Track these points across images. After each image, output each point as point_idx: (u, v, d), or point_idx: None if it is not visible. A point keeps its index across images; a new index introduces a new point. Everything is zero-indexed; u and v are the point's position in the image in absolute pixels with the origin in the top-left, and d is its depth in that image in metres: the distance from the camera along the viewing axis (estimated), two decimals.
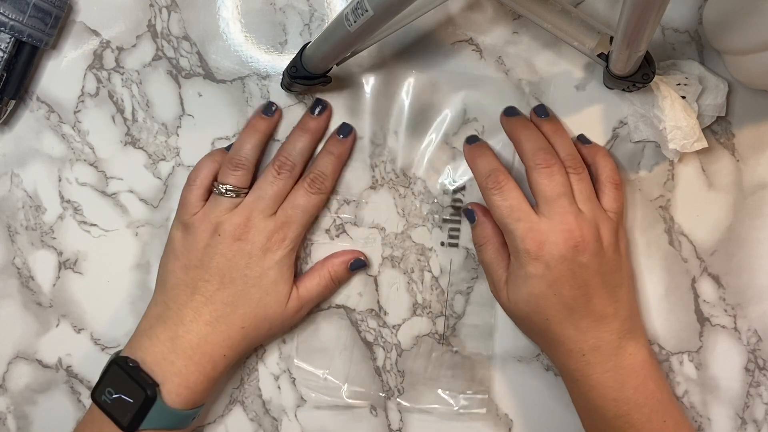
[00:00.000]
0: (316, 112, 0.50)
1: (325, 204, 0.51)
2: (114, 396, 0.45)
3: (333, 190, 0.51)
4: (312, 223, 0.51)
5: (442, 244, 0.52)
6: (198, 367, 0.46)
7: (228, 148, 0.51)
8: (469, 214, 0.51)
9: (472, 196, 0.52)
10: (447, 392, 0.52)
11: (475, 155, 0.49)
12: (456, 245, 0.52)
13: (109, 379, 0.46)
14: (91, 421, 0.46)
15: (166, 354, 0.46)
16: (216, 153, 0.51)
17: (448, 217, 0.52)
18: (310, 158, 0.50)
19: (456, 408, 0.52)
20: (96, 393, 0.46)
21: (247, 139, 0.49)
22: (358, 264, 0.51)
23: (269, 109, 0.50)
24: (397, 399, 0.52)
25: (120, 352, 0.48)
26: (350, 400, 0.52)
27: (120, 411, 0.45)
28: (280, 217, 0.48)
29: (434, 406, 0.52)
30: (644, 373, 0.47)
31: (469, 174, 0.50)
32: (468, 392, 0.52)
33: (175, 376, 0.45)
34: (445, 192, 0.52)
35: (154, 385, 0.45)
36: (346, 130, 0.50)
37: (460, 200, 0.52)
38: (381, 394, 0.52)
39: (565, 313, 0.45)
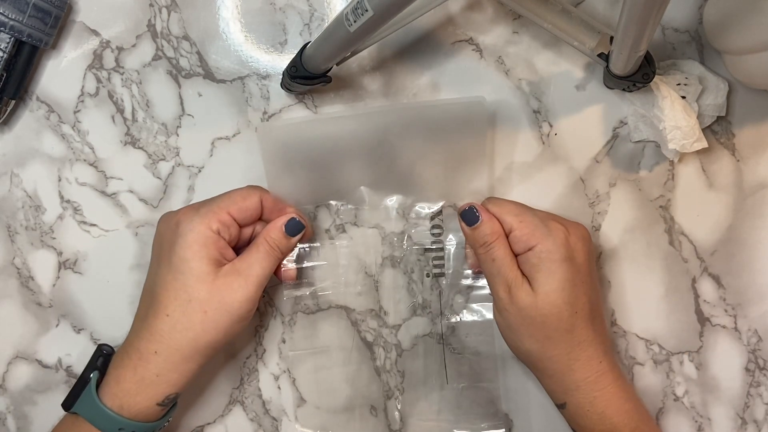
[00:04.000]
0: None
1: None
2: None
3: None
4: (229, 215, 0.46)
5: (428, 275, 0.51)
6: (130, 362, 0.44)
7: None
8: (471, 214, 0.46)
9: (451, 220, 0.51)
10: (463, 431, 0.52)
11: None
12: (443, 275, 0.51)
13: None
14: None
15: (120, 348, 0.46)
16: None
17: (430, 246, 0.51)
18: None
19: None
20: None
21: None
22: (295, 227, 0.47)
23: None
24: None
25: None
26: None
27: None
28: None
29: None
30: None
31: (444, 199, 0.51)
32: (483, 426, 0.51)
33: (113, 368, 0.45)
34: (420, 218, 0.51)
35: (94, 369, 0.45)
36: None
37: (439, 226, 0.51)
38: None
39: (588, 307, 0.45)
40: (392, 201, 0.51)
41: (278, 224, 0.47)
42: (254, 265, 0.45)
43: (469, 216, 0.47)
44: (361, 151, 0.49)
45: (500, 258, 0.45)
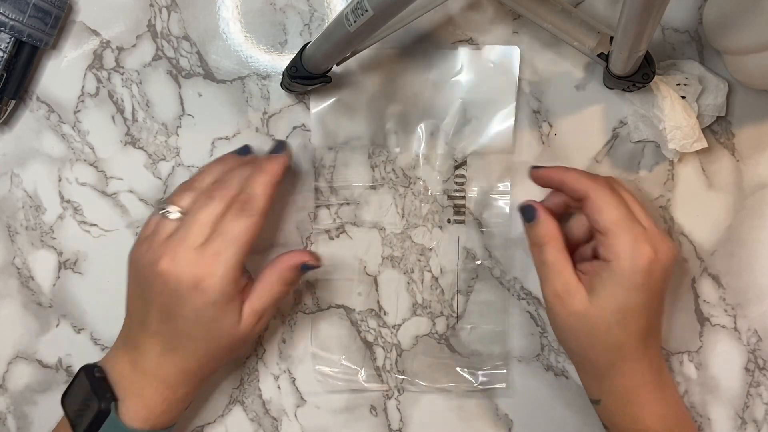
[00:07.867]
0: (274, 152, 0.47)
1: (260, 228, 0.43)
2: (77, 403, 0.45)
3: (267, 212, 0.44)
4: (248, 250, 0.43)
5: (449, 221, 0.52)
6: (156, 391, 0.44)
7: (242, 151, 0.49)
8: (528, 211, 0.46)
9: (476, 172, 0.51)
10: (465, 370, 0.52)
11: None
12: (463, 222, 0.52)
13: (76, 385, 0.45)
14: (62, 426, 0.46)
15: (126, 374, 0.45)
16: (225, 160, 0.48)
17: (452, 194, 0.52)
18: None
19: (476, 384, 0.52)
20: (64, 398, 0.46)
21: (210, 171, 0.47)
22: (308, 267, 0.46)
23: (244, 152, 0.49)
24: (416, 380, 0.52)
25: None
26: (367, 385, 0.52)
27: (79, 420, 0.44)
28: (206, 250, 0.42)
29: (452, 384, 0.52)
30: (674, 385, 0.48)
31: (471, 149, 0.51)
32: (486, 368, 0.52)
33: (134, 395, 0.44)
34: (446, 166, 0.52)
35: (111, 399, 0.43)
36: (279, 147, 0.47)
37: (463, 176, 0.52)
38: (398, 376, 0.52)
39: (645, 329, 0.44)
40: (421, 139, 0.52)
41: (292, 265, 0.46)
42: (268, 304, 0.45)
43: (526, 212, 0.46)
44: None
45: (551, 263, 0.44)
